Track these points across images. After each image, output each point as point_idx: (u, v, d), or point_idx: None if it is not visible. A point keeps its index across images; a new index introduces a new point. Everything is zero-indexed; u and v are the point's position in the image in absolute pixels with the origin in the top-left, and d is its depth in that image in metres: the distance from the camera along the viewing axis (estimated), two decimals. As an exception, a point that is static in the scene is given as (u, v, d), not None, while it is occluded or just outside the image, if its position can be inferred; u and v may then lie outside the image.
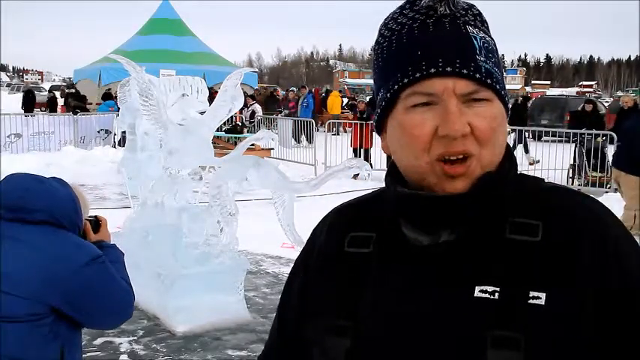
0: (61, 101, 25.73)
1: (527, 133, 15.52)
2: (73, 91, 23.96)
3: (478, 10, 0.96)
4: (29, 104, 25.69)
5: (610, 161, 11.62)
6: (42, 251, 2.00)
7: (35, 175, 2.15)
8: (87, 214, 2.29)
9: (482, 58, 0.90)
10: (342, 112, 24.80)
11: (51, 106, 25.54)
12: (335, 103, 25.41)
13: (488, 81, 0.90)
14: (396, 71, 0.92)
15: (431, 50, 0.90)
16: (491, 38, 0.96)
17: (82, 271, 2.03)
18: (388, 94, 0.94)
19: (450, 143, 0.89)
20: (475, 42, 0.91)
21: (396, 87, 0.92)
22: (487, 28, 0.96)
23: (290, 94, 24.12)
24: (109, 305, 2.13)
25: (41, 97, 32.65)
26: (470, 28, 0.92)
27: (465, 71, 0.89)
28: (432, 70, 0.89)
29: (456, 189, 0.90)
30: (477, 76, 0.89)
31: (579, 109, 15.76)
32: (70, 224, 2.12)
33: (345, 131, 18.09)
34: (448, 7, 0.91)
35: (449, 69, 0.89)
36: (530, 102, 24.77)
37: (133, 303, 2.22)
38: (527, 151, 14.90)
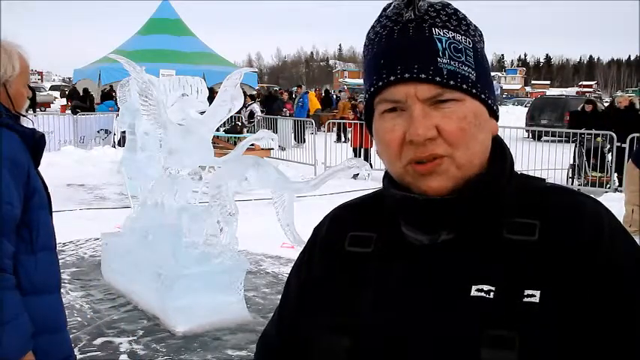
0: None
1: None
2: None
3: (453, 8, 0.94)
4: None
5: (609, 161, 11.64)
6: None
7: None
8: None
9: (444, 60, 0.90)
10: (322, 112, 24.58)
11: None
12: (314, 103, 25.05)
13: (451, 82, 0.89)
14: (368, 80, 0.95)
15: (391, 58, 0.91)
16: (468, 36, 0.94)
17: None
18: (365, 102, 0.98)
19: (418, 148, 0.89)
20: (439, 44, 0.90)
21: (367, 95, 0.96)
22: (466, 24, 0.95)
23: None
24: None
25: (42, 97, 32.59)
26: (436, 31, 0.91)
27: (423, 76, 0.89)
28: (392, 78, 0.90)
29: (431, 187, 0.91)
30: (437, 79, 0.89)
31: (579, 109, 15.71)
32: None
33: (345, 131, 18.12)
34: (413, 12, 0.92)
35: (407, 75, 0.89)
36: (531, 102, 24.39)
37: None
38: None
